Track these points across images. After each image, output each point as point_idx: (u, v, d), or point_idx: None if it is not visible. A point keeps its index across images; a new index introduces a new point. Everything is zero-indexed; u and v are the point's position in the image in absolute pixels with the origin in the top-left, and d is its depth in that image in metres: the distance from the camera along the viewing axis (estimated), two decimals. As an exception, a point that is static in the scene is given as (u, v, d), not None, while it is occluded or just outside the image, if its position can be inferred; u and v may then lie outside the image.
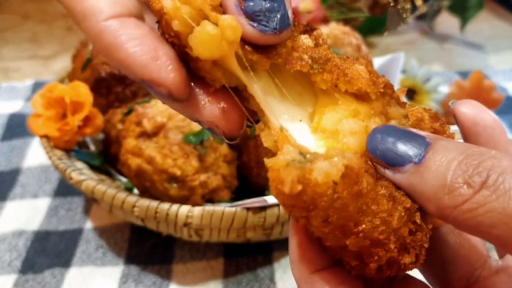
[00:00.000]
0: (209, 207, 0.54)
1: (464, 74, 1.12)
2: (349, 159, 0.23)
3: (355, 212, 0.23)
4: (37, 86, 1.09)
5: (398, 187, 0.24)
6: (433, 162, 0.23)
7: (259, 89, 0.27)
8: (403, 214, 0.24)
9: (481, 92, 0.84)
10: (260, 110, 0.27)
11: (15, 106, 1.02)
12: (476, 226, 0.21)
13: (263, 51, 0.26)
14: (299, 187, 0.22)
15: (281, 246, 0.66)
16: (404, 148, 0.24)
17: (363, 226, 0.23)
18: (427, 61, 1.23)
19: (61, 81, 0.79)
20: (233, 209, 0.53)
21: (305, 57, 0.27)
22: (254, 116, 0.28)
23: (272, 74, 0.27)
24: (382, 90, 0.27)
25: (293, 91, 0.28)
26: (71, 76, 0.77)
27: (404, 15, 0.74)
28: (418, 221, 0.24)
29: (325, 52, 0.27)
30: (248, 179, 0.61)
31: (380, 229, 0.23)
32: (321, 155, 0.23)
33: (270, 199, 0.53)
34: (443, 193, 0.22)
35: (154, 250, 0.66)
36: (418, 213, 0.24)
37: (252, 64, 0.27)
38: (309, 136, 0.26)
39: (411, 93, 0.91)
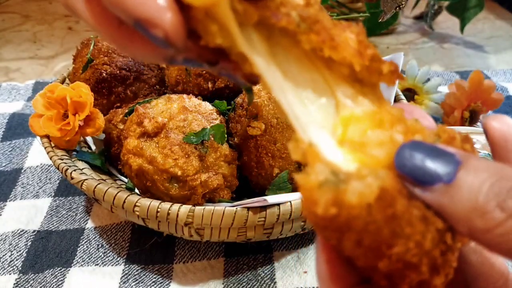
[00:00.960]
0: (209, 207, 0.54)
1: (464, 74, 1.12)
2: (383, 179, 0.22)
3: (388, 235, 0.22)
4: (37, 86, 1.09)
5: (428, 206, 0.24)
6: (464, 182, 0.22)
7: (261, 60, 0.26)
8: (435, 235, 0.23)
9: (481, 92, 0.84)
10: (265, 83, 0.26)
11: (16, 106, 1.02)
12: (510, 250, 0.21)
13: (251, 1, 0.25)
14: (334, 210, 0.22)
15: (282, 245, 0.66)
16: (434, 166, 0.23)
17: (396, 249, 0.23)
18: (427, 61, 1.23)
19: (62, 81, 0.79)
20: (234, 208, 0.54)
21: (293, 13, 0.26)
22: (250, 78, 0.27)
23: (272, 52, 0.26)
24: (367, 63, 0.26)
25: (302, 77, 0.27)
26: (72, 76, 0.77)
27: None
28: (449, 242, 0.24)
29: (315, 13, 0.26)
30: (249, 179, 0.62)
31: (413, 252, 0.23)
32: (354, 174, 0.23)
33: (270, 199, 0.53)
34: (475, 216, 0.22)
35: (155, 250, 0.66)
36: (449, 233, 0.24)
37: (243, 21, 0.26)
38: (336, 149, 0.25)
39: (411, 93, 0.91)
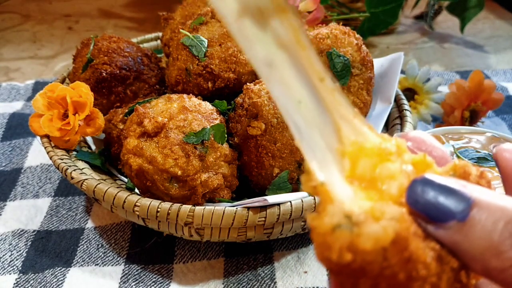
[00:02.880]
0: (210, 207, 0.54)
1: (464, 74, 1.12)
2: (397, 219, 0.22)
3: (404, 279, 0.22)
4: (37, 86, 1.09)
5: (441, 243, 0.23)
6: (478, 221, 0.22)
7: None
8: (450, 275, 0.23)
9: (481, 92, 0.84)
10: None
11: (16, 106, 1.02)
12: None
13: None
14: (348, 256, 0.21)
15: (282, 245, 0.66)
16: (446, 203, 0.23)
17: None
18: (427, 61, 1.23)
19: (62, 81, 0.79)
20: (234, 208, 0.54)
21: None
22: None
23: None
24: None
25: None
26: (72, 76, 0.77)
27: None
28: (464, 280, 0.24)
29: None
30: (249, 179, 0.62)
31: None
32: (367, 216, 0.22)
33: (271, 199, 0.53)
34: (490, 255, 0.22)
35: (155, 250, 0.66)
36: (463, 271, 0.24)
37: None
38: (347, 187, 0.25)
39: (411, 93, 0.91)
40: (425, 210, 0.23)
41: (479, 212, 0.22)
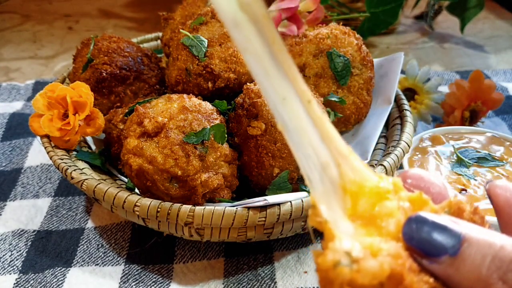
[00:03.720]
0: (210, 207, 0.54)
1: (464, 74, 1.12)
2: (393, 255, 0.24)
3: None
4: (37, 86, 1.09)
5: (435, 276, 0.25)
6: (468, 255, 0.24)
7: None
8: None
9: (481, 92, 0.84)
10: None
11: (16, 106, 1.02)
12: None
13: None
14: None
15: (282, 245, 0.66)
16: (439, 239, 0.25)
17: None
18: (427, 61, 1.23)
19: (62, 81, 0.79)
20: (234, 208, 0.54)
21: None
22: None
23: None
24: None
25: None
26: (72, 76, 0.77)
27: None
28: None
29: None
30: (249, 179, 0.62)
31: None
32: (366, 252, 0.24)
33: (271, 199, 0.53)
34: (480, 287, 0.23)
35: (155, 250, 0.66)
36: None
37: None
38: (348, 224, 0.27)
39: (411, 93, 0.91)
40: (419, 246, 0.25)
41: (469, 247, 0.24)
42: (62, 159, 0.64)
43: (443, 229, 0.25)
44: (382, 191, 0.27)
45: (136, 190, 0.61)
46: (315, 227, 0.27)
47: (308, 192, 0.58)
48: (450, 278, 0.25)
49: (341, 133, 0.74)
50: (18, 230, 0.70)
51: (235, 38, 0.28)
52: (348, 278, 0.23)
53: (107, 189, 0.57)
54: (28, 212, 0.73)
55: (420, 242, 0.25)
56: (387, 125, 0.75)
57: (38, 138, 0.68)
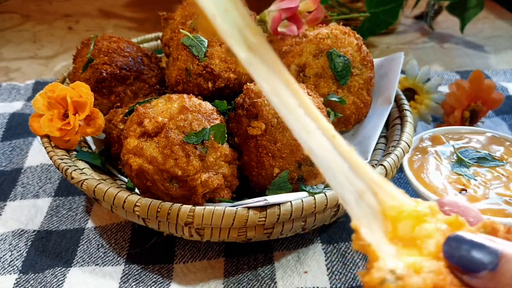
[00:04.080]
0: (210, 207, 0.54)
1: (464, 74, 1.12)
2: (435, 272, 0.27)
3: None
4: (37, 86, 1.09)
5: None
6: (506, 269, 0.27)
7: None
8: None
9: (481, 92, 0.84)
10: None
11: (16, 106, 1.02)
12: None
13: None
14: None
15: (282, 245, 0.66)
16: (478, 256, 0.27)
17: None
18: (427, 61, 1.23)
19: (62, 81, 0.79)
20: (234, 208, 0.54)
21: None
22: None
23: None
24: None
25: None
26: (72, 76, 0.77)
27: None
28: None
29: None
30: (249, 179, 0.62)
31: None
32: (409, 270, 0.26)
33: (271, 199, 0.53)
34: None
35: (155, 250, 0.66)
36: None
37: None
38: (390, 247, 0.29)
39: (411, 93, 0.91)
40: (460, 262, 0.28)
41: (507, 262, 0.27)
42: (62, 159, 0.64)
43: (481, 246, 0.28)
44: (420, 215, 0.30)
45: (136, 190, 0.61)
46: (358, 250, 0.30)
47: (308, 192, 0.58)
48: None
49: (341, 133, 0.74)
50: (18, 230, 0.70)
51: (252, 76, 0.32)
52: None
53: (107, 189, 0.57)
54: (28, 212, 0.73)
55: (460, 259, 0.28)
56: (387, 125, 0.75)
57: (38, 138, 0.68)
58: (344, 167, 0.31)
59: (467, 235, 0.28)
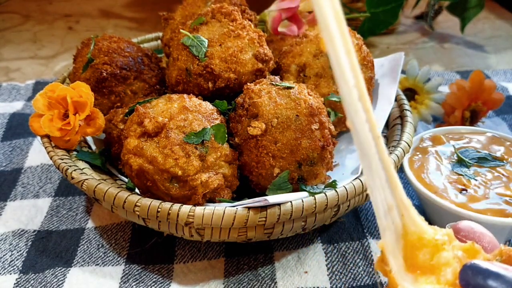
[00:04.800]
0: (210, 207, 0.54)
1: (464, 74, 1.12)
2: None
3: None
4: (38, 86, 1.09)
5: None
6: None
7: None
8: None
9: (481, 92, 0.84)
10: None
11: (16, 106, 1.02)
12: None
13: None
14: None
15: (282, 245, 0.66)
16: (494, 285, 0.28)
17: None
18: (427, 61, 1.23)
19: (62, 81, 0.79)
20: (234, 208, 0.54)
21: None
22: None
23: None
24: None
25: None
26: (72, 76, 0.77)
27: None
28: None
29: None
30: (249, 179, 0.62)
31: None
32: None
33: (271, 199, 0.53)
34: None
35: (155, 250, 0.66)
36: None
37: None
38: (409, 275, 0.30)
39: (412, 93, 0.91)
40: None
41: None
42: (62, 159, 0.63)
43: (496, 275, 0.28)
44: (439, 243, 0.31)
45: (137, 190, 0.61)
46: (380, 272, 0.31)
47: (308, 192, 0.58)
48: None
49: (341, 133, 0.74)
50: (18, 230, 0.70)
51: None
52: None
53: (107, 189, 0.57)
54: (28, 212, 0.73)
55: (477, 287, 0.28)
56: (387, 125, 0.75)
57: (39, 138, 0.68)
58: (382, 177, 0.31)
59: (483, 264, 0.29)
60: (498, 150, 0.72)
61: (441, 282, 0.29)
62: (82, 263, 0.64)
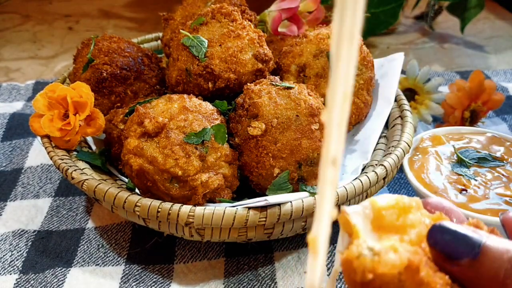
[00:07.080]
0: (210, 207, 0.54)
1: (464, 74, 1.12)
2: (411, 252, 0.28)
3: None
4: (38, 86, 1.09)
5: (454, 278, 0.28)
6: (487, 259, 0.27)
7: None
8: None
9: (481, 92, 0.84)
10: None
11: (16, 106, 1.02)
12: None
13: None
14: (370, 276, 0.27)
15: (282, 245, 0.66)
16: (461, 244, 0.28)
17: None
18: (427, 61, 1.23)
19: (63, 81, 0.79)
20: (234, 209, 0.54)
21: None
22: None
23: None
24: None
25: None
26: (72, 76, 0.77)
27: None
28: None
29: None
30: (249, 179, 0.62)
31: None
32: (387, 248, 0.28)
33: (271, 199, 0.53)
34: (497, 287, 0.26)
35: (155, 250, 0.66)
36: None
37: None
38: (374, 234, 0.30)
39: (412, 93, 0.91)
40: (443, 249, 0.28)
41: (488, 252, 0.27)
42: (62, 159, 0.64)
43: (465, 235, 0.28)
44: (406, 206, 0.31)
45: (137, 190, 0.61)
46: (342, 224, 0.31)
47: (309, 192, 0.58)
48: (470, 280, 0.28)
49: (342, 133, 0.74)
50: (18, 230, 0.70)
51: None
52: (370, 266, 0.27)
53: (107, 189, 0.57)
54: (28, 212, 0.73)
55: (444, 246, 0.28)
56: (387, 125, 0.75)
57: (39, 138, 0.68)
58: None
59: (452, 225, 0.29)
60: (498, 150, 0.72)
61: (404, 241, 0.29)
62: (82, 263, 0.64)
